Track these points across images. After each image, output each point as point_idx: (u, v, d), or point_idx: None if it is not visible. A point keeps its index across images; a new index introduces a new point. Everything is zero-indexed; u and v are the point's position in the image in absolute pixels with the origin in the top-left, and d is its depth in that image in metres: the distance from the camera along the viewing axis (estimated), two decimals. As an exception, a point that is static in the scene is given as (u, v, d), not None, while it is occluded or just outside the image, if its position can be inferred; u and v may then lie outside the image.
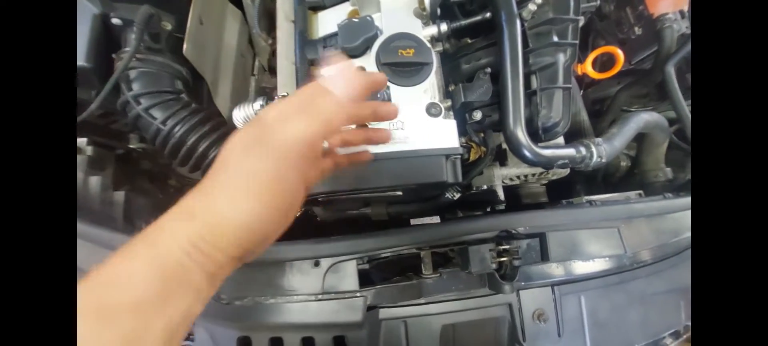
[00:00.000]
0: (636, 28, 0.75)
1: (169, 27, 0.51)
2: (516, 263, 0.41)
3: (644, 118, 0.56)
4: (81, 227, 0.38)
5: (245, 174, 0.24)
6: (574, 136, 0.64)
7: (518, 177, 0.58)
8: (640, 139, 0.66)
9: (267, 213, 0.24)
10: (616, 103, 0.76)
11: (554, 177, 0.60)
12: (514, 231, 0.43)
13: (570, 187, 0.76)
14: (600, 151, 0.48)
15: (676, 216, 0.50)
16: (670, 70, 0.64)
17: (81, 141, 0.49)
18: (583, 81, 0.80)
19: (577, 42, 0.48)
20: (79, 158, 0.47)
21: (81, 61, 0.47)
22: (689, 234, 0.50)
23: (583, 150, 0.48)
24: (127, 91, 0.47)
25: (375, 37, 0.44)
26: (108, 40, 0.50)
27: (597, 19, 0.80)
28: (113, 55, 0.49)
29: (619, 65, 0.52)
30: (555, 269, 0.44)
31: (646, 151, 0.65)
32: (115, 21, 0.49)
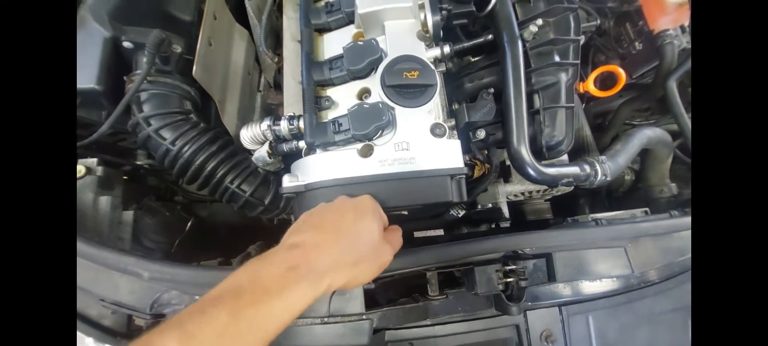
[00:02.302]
0: (636, 43, 0.76)
1: (178, 50, 0.52)
2: (523, 283, 0.41)
3: (647, 134, 0.57)
4: (91, 250, 0.39)
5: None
6: (577, 151, 0.64)
7: (523, 194, 0.59)
8: (644, 154, 0.67)
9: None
10: (619, 118, 0.77)
11: (558, 193, 0.60)
12: (520, 252, 0.43)
13: (574, 202, 0.76)
14: (604, 169, 0.48)
15: (683, 235, 0.49)
16: (672, 85, 0.64)
17: (91, 161, 0.50)
18: (585, 96, 0.81)
19: (579, 61, 0.49)
20: (90, 179, 0.47)
21: (92, 83, 0.48)
22: (697, 252, 0.49)
23: (587, 168, 0.48)
24: (138, 112, 0.48)
25: (380, 59, 0.45)
26: (119, 62, 0.51)
27: (596, 35, 0.81)
28: (124, 78, 0.50)
29: (621, 84, 0.52)
30: (562, 289, 0.44)
31: (650, 167, 0.65)
32: (126, 44, 0.50)
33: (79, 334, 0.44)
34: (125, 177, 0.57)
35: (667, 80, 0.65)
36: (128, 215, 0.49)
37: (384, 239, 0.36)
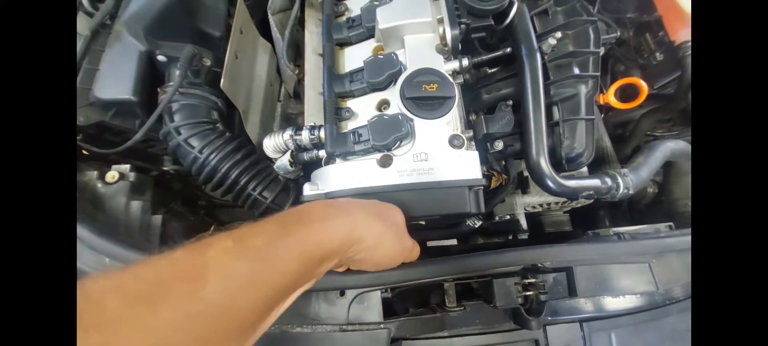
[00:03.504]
0: (657, 54, 0.75)
1: (208, 63, 0.55)
2: (542, 297, 0.41)
3: (670, 147, 0.55)
4: (124, 252, 0.41)
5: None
6: (597, 162, 0.63)
7: (541, 206, 0.58)
8: (667, 167, 0.65)
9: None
10: (640, 129, 0.75)
11: (578, 206, 0.59)
12: (540, 265, 0.42)
13: (594, 214, 0.74)
14: (627, 182, 0.47)
15: (711, 251, 0.48)
16: (696, 97, 0.63)
17: (124, 167, 0.52)
18: (604, 106, 0.79)
19: (599, 73, 0.49)
20: (123, 184, 0.50)
21: (128, 94, 0.51)
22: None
23: (609, 181, 0.47)
24: (169, 122, 0.51)
25: (399, 72, 0.46)
26: (152, 74, 0.54)
27: (616, 45, 0.81)
28: (158, 89, 0.53)
29: (643, 96, 0.52)
30: (583, 305, 0.43)
31: (673, 180, 0.63)
32: (161, 58, 0.53)
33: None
34: (153, 183, 0.59)
35: (689, 92, 0.63)
36: (157, 218, 0.51)
37: (407, 232, 0.38)
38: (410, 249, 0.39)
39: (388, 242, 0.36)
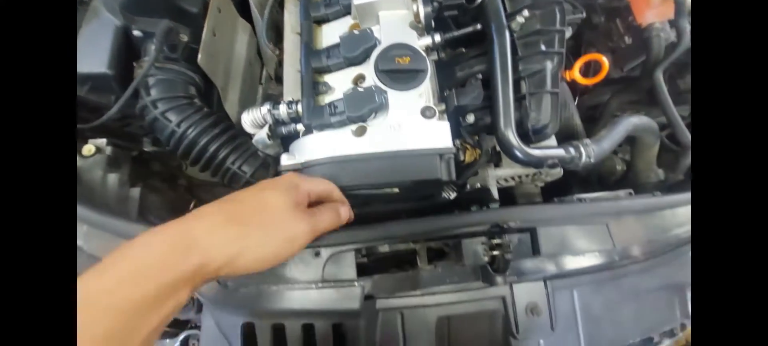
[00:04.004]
0: (626, 38, 0.78)
1: (185, 39, 0.55)
2: (508, 256, 0.43)
3: (633, 122, 0.59)
4: (99, 218, 0.41)
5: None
6: (567, 139, 0.66)
7: (512, 178, 0.61)
8: (632, 143, 0.69)
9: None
10: (609, 109, 0.79)
11: (549, 179, 0.62)
12: (505, 225, 0.45)
13: (566, 190, 0.77)
14: (588, 151, 0.50)
15: (665, 213, 0.51)
16: (659, 76, 0.67)
17: (101, 141, 0.52)
18: (578, 89, 0.83)
19: (563, 50, 0.51)
20: (99, 157, 0.50)
21: (103, 68, 0.51)
22: (679, 231, 0.51)
23: (572, 150, 0.50)
24: (145, 96, 0.51)
25: (374, 47, 0.47)
26: (128, 49, 0.54)
27: (588, 30, 0.84)
28: (134, 64, 0.53)
29: (605, 71, 0.54)
30: (547, 264, 0.46)
31: (637, 155, 0.67)
32: (136, 33, 0.53)
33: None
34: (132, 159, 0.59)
35: (654, 71, 0.67)
36: (135, 191, 0.52)
37: (297, 213, 0.33)
38: (305, 233, 0.34)
39: (253, 245, 0.31)
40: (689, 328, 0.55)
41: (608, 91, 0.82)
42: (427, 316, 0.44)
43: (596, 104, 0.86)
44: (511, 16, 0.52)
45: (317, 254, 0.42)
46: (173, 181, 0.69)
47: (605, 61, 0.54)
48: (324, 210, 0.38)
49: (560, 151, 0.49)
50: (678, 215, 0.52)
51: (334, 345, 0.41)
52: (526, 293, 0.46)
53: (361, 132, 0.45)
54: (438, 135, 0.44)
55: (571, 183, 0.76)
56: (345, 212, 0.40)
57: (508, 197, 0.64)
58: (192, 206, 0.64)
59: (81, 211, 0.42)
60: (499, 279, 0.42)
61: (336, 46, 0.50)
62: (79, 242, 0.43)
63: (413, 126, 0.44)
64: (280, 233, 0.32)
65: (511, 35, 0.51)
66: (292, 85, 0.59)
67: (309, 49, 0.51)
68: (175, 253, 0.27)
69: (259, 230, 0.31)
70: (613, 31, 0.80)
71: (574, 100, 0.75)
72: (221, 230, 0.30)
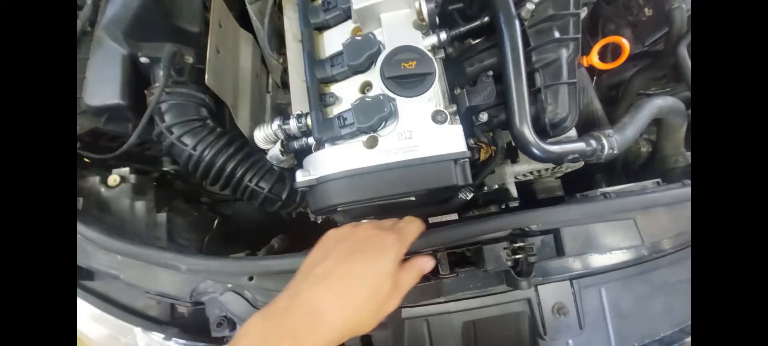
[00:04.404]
0: (646, 10, 0.73)
1: (190, 60, 0.55)
2: (531, 259, 0.42)
3: (658, 104, 0.55)
4: (134, 249, 0.43)
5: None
6: (587, 126, 0.63)
7: (531, 173, 0.59)
8: (659, 124, 0.65)
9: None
10: (632, 89, 0.74)
11: (568, 170, 0.60)
12: (526, 229, 0.44)
13: (589, 177, 0.74)
14: (611, 142, 0.48)
15: (697, 202, 0.49)
16: (683, 51, 0.62)
17: (124, 170, 0.54)
18: (595, 69, 0.78)
19: (579, 36, 0.48)
20: (125, 186, 0.52)
21: (117, 99, 0.52)
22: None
23: (593, 143, 0.48)
24: (160, 122, 0.52)
25: (378, 52, 0.46)
26: (137, 76, 0.55)
27: (604, 3, 0.79)
28: (145, 91, 0.54)
29: (625, 55, 0.51)
30: (572, 263, 0.45)
31: (664, 137, 0.63)
32: (143, 60, 0.54)
33: (127, 325, 0.49)
34: (155, 183, 0.61)
35: (677, 46, 0.62)
36: (162, 216, 0.54)
37: (396, 286, 0.35)
38: (394, 306, 0.35)
39: (363, 324, 0.33)
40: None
41: (631, 67, 0.77)
42: (452, 322, 0.44)
43: (617, 83, 0.81)
44: (520, 4, 0.49)
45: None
46: (196, 199, 0.71)
47: (625, 43, 0.51)
48: (410, 270, 0.38)
49: (581, 145, 0.47)
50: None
51: (361, 357, 0.42)
52: (551, 293, 0.45)
53: (372, 143, 0.44)
54: (451, 140, 0.43)
55: (595, 170, 0.73)
56: (428, 266, 0.40)
57: (528, 192, 0.62)
58: (216, 224, 0.66)
59: (112, 242, 0.44)
60: (523, 283, 0.42)
61: (339, 54, 0.49)
62: (115, 272, 0.46)
63: (425, 133, 0.43)
64: (382, 313, 0.35)
65: (522, 24, 0.48)
66: (299, 96, 0.59)
67: (312, 60, 0.50)
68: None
69: (369, 312, 0.34)
70: (633, 3, 0.75)
71: (592, 81, 0.72)
72: (345, 318, 0.32)
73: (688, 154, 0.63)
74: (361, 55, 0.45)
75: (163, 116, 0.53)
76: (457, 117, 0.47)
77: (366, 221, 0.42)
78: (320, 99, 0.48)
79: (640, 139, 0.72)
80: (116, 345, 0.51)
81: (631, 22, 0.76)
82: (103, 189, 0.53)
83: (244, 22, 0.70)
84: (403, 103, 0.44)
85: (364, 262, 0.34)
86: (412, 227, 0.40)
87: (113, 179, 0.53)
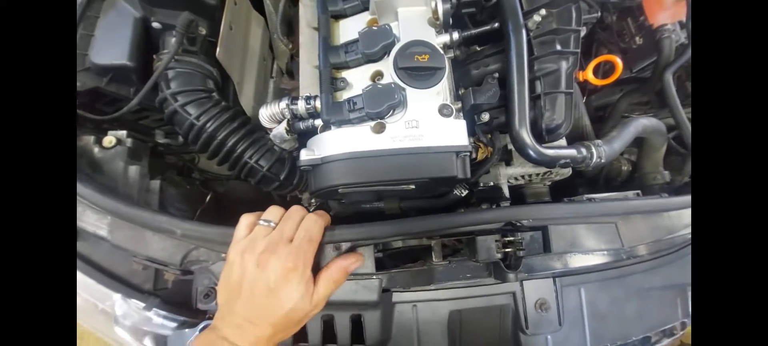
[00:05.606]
0: (637, 38, 0.78)
1: (203, 32, 0.55)
2: (520, 253, 0.45)
3: (643, 123, 0.60)
4: (127, 210, 0.43)
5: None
6: (576, 139, 0.67)
7: (523, 177, 0.62)
8: (640, 144, 0.70)
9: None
10: (618, 110, 0.80)
11: (557, 178, 0.63)
12: (518, 223, 0.46)
13: (573, 190, 0.79)
14: (600, 152, 0.51)
15: (672, 214, 0.53)
16: (669, 78, 0.67)
17: (121, 133, 0.53)
18: (586, 88, 0.83)
19: (579, 50, 0.52)
20: (120, 149, 0.51)
21: (123, 59, 0.52)
22: (685, 232, 0.53)
23: (584, 151, 0.51)
24: (165, 89, 0.52)
25: (393, 43, 0.48)
26: (147, 41, 0.55)
27: (599, 29, 0.84)
28: (154, 56, 0.54)
29: (618, 72, 0.55)
30: (556, 262, 0.48)
31: (645, 156, 0.68)
32: (155, 25, 0.54)
33: (107, 291, 0.48)
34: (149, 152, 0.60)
35: (664, 73, 0.68)
36: (155, 183, 0.53)
37: (311, 302, 0.39)
38: (313, 310, 0.39)
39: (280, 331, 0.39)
40: (688, 327, 0.57)
41: (617, 91, 0.83)
42: (439, 309, 0.46)
43: (604, 105, 0.86)
44: (527, 15, 0.52)
45: (337, 249, 0.43)
46: (188, 174, 0.70)
47: (619, 61, 0.55)
48: (328, 283, 0.41)
49: (572, 151, 0.50)
50: (684, 216, 0.54)
51: (351, 334, 0.43)
52: (535, 289, 0.47)
53: (379, 129, 0.46)
54: (455, 133, 0.45)
55: (578, 183, 0.78)
56: (353, 266, 0.43)
57: (518, 196, 0.65)
58: (208, 199, 0.65)
59: (105, 201, 0.43)
60: (510, 276, 0.44)
61: (354, 42, 0.50)
62: (103, 233, 0.45)
63: (431, 124, 0.45)
64: (300, 325, 0.40)
65: (528, 34, 0.51)
66: (308, 81, 0.59)
67: (327, 45, 0.51)
68: None
69: (286, 334, 0.39)
70: (625, 30, 0.80)
71: (583, 99, 0.76)
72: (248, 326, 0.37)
73: (666, 173, 0.68)
74: (376, 44, 0.47)
75: (169, 83, 0.53)
76: (461, 113, 0.49)
77: (265, 227, 0.43)
78: (331, 83, 0.49)
79: (622, 158, 0.77)
80: (93, 311, 0.49)
81: (622, 48, 0.81)
82: (97, 149, 0.52)
83: (257, 6, 0.70)
84: (412, 94, 0.46)
85: (270, 304, 0.38)
86: (316, 228, 0.42)
87: (109, 140, 0.52)
